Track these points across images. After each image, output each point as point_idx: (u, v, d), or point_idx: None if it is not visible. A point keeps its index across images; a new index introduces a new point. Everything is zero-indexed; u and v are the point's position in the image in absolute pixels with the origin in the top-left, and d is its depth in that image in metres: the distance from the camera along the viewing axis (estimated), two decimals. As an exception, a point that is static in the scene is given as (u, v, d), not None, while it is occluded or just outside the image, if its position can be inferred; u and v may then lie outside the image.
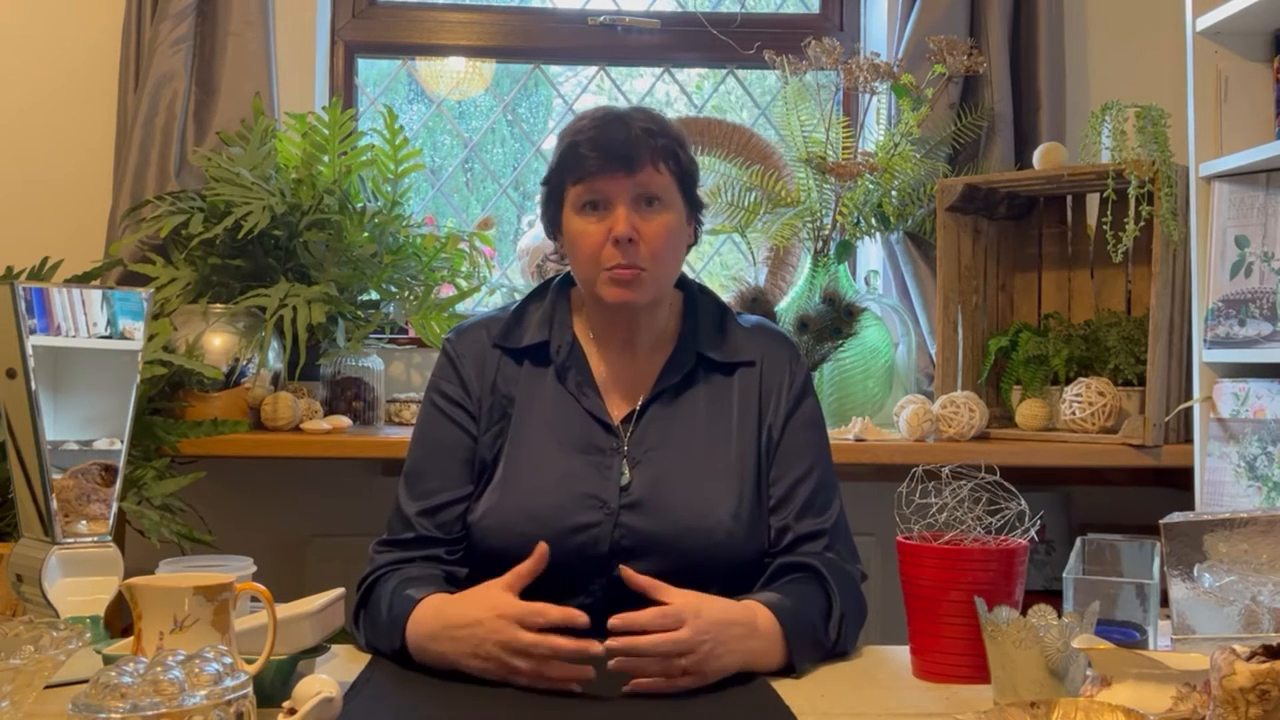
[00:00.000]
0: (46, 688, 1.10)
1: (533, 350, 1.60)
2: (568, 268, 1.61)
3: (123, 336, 1.43)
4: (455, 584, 1.49)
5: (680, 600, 1.33)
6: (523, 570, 1.36)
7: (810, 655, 1.41)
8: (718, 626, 1.32)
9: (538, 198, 1.62)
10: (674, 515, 1.49)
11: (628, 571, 1.37)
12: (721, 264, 3.08)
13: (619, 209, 1.49)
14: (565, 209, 1.55)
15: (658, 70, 3.07)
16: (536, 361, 1.59)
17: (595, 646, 1.27)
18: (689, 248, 1.62)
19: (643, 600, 1.49)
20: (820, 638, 1.43)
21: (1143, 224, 2.23)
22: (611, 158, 1.48)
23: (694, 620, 1.30)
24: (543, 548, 1.37)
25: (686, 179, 1.55)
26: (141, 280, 2.43)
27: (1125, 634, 1.34)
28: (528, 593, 1.35)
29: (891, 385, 2.68)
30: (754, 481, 1.55)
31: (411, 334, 2.75)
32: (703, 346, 1.59)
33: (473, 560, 1.52)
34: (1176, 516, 1.38)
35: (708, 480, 1.53)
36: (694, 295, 1.64)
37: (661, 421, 1.56)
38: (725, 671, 1.33)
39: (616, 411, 1.57)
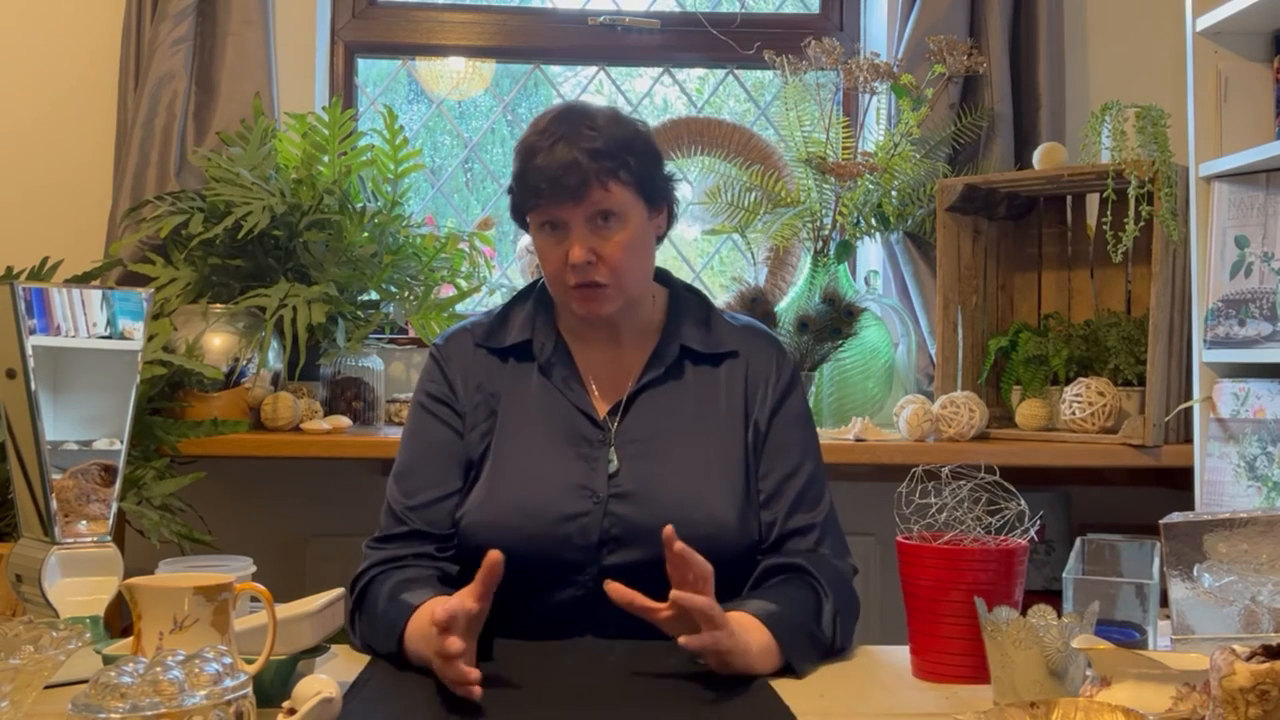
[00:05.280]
0: (46, 688, 1.10)
1: (516, 349, 1.62)
2: None
3: (122, 336, 1.43)
4: (448, 582, 1.49)
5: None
6: (466, 593, 1.29)
7: (808, 655, 1.40)
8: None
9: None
10: (662, 505, 1.50)
11: (615, 587, 1.32)
12: (721, 264, 3.07)
13: (574, 233, 1.52)
14: (529, 219, 1.57)
15: (657, 70, 3.07)
16: (521, 359, 1.61)
17: (455, 644, 1.22)
18: (666, 231, 1.64)
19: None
20: (816, 635, 1.43)
21: (1142, 224, 2.23)
22: (559, 188, 1.49)
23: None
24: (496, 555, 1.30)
25: (644, 181, 1.55)
26: (141, 280, 2.43)
27: (1125, 634, 1.33)
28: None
29: (891, 385, 2.68)
30: (743, 473, 1.56)
31: (411, 334, 2.75)
32: (686, 339, 1.61)
33: (464, 557, 1.52)
34: (1176, 516, 1.38)
35: (696, 470, 1.54)
36: (679, 292, 1.67)
37: (648, 413, 1.58)
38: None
39: (602, 405, 1.59)
